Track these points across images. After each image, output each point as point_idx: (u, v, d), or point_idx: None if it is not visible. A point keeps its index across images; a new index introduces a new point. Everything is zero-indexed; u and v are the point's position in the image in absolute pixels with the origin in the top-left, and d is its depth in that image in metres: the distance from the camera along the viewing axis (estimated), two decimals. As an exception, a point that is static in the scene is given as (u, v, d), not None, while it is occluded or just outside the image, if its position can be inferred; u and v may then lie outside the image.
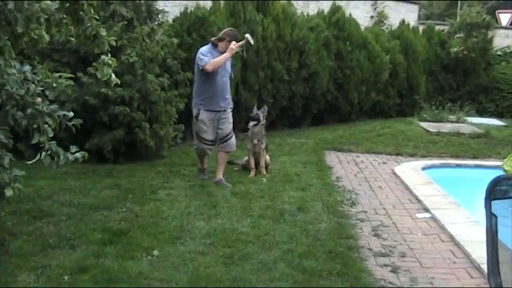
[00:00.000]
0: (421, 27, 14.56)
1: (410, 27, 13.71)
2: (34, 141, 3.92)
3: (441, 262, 4.40)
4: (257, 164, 7.07)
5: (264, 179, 6.75)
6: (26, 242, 4.32)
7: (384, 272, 4.14)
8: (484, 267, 3.30)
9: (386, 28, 14.07)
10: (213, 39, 6.44)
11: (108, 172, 6.77)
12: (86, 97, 7.02)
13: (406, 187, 6.69)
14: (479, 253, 4.28)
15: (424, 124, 11.41)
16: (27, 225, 4.71)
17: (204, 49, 6.34)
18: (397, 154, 8.86)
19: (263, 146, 7.11)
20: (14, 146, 4.98)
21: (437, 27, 14.83)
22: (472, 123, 11.83)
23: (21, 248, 4.21)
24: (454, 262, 4.39)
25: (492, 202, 2.18)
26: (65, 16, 4.22)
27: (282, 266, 4.12)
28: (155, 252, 4.27)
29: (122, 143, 7.23)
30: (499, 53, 15.33)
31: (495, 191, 2.19)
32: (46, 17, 4.06)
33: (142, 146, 7.33)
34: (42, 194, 5.65)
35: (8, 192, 3.94)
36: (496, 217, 2.16)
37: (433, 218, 5.48)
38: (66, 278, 3.77)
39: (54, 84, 4.00)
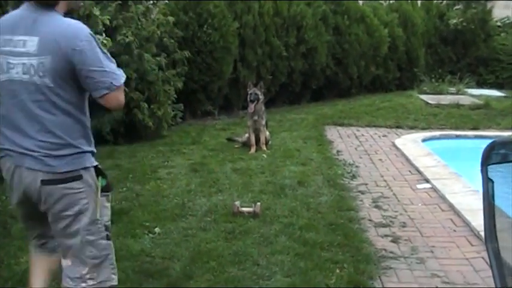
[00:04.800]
0: (419, 0, 14.42)
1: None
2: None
3: (441, 231, 4.42)
4: (257, 140, 7.07)
5: (265, 155, 6.76)
6: (28, 224, 4.34)
7: (385, 242, 4.16)
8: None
9: (385, 1, 13.94)
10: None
11: (109, 153, 6.77)
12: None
13: (407, 159, 6.69)
14: (479, 221, 4.27)
15: (424, 97, 11.37)
16: (29, 207, 4.73)
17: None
18: (398, 127, 8.82)
19: (263, 122, 7.11)
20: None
21: (435, -1, 14.71)
22: (472, 95, 11.78)
23: (23, 231, 4.22)
24: (454, 230, 4.41)
25: (488, 167, 2.18)
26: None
27: (283, 239, 4.14)
28: (156, 229, 4.29)
29: (121, 123, 7.22)
30: (498, 23, 15.20)
31: (491, 156, 2.19)
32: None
33: (142, 126, 7.33)
34: (43, 177, 5.65)
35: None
36: (493, 182, 2.16)
37: (434, 188, 5.49)
38: (68, 257, 3.78)
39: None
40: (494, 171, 2.15)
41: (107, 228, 2.52)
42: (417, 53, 13.16)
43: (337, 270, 3.62)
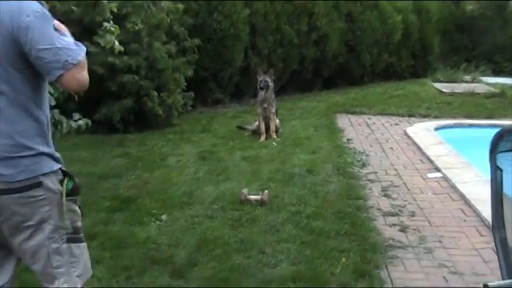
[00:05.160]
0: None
1: (423, -15, 13.41)
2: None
3: (451, 221, 4.35)
4: (267, 128, 7.03)
5: (274, 143, 6.73)
6: (36, 211, 4.36)
7: (393, 232, 4.11)
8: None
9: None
10: None
11: (118, 142, 6.79)
12: (93, 67, 6.99)
13: (418, 147, 6.61)
14: (489, 211, 4.21)
15: (437, 85, 11.23)
16: (38, 195, 4.75)
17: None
18: (410, 115, 8.73)
19: (273, 110, 7.07)
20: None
21: (451, -15, 14.49)
22: (487, 83, 11.60)
23: None
24: (464, 220, 4.34)
25: (497, 155, 2.13)
26: (63, -16, 4.16)
27: (290, 227, 4.11)
28: (163, 217, 4.29)
29: (130, 112, 7.23)
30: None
31: (499, 144, 2.13)
32: (44, -16, 4.00)
33: (151, 114, 7.32)
34: (53, 164, 5.67)
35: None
36: (501, 170, 2.11)
37: (444, 178, 5.41)
38: (75, 244, 3.79)
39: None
40: (503, 159, 2.10)
41: (76, 230, 2.18)
42: (431, 40, 13.01)
43: (343, 259, 3.58)
